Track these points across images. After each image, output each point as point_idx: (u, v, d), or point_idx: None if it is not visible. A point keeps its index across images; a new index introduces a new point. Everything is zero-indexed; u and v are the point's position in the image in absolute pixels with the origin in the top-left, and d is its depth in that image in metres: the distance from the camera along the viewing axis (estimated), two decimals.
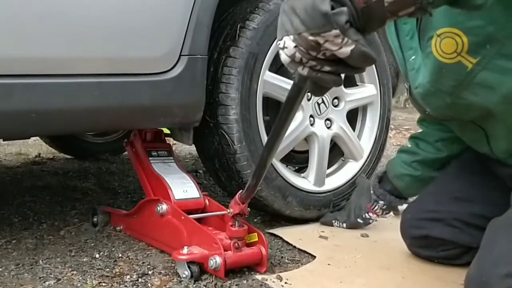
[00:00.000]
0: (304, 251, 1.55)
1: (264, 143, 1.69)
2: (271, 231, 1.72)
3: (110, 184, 2.41)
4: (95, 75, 1.33)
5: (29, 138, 2.66)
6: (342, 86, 1.91)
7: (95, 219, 1.71)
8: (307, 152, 1.90)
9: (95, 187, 2.34)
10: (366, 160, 2.03)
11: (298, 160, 1.96)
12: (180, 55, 1.47)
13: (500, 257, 1.01)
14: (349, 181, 1.96)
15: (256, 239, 1.36)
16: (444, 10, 1.00)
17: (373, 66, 2.00)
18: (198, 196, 1.54)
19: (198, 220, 1.44)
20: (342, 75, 0.81)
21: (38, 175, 2.62)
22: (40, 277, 1.31)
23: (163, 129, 1.75)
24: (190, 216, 1.41)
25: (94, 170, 2.74)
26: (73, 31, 1.28)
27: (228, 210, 1.34)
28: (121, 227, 1.67)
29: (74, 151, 3.05)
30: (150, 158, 1.64)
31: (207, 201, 1.55)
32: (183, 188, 1.53)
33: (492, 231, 1.11)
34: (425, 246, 1.45)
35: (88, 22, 1.30)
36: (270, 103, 1.81)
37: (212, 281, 1.28)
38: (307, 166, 1.89)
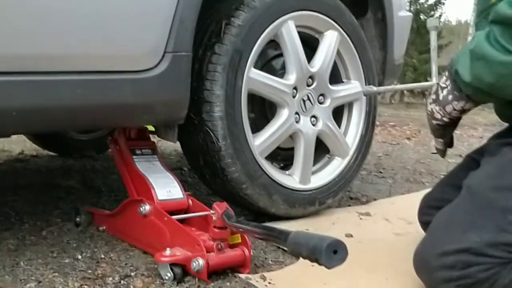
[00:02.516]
0: None
1: (249, 141, 1.68)
2: None
3: (94, 183, 2.38)
4: (77, 72, 1.30)
5: (9, 137, 2.62)
6: (328, 83, 1.90)
7: (78, 219, 1.69)
8: (292, 149, 1.89)
9: (78, 185, 2.31)
10: (352, 157, 2.02)
11: (283, 157, 1.95)
12: (165, 52, 1.44)
13: (439, 237, 1.16)
14: (335, 179, 1.96)
15: (239, 240, 1.35)
16: None
17: (359, 62, 1.99)
18: (182, 196, 1.52)
19: (181, 220, 1.42)
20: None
21: (21, 173, 2.59)
22: (21, 279, 1.28)
23: (147, 126, 1.73)
24: (173, 217, 1.39)
25: (78, 168, 2.71)
26: (55, 28, 1.25)
27: (211, 211, 1.32)
28: (104, 228, 1.64)
29: (58, 148, 3.01)
30: (134, 157, 1.61)
31: (190, 201, 1.53)
32: (166, 188, 1.51)
33: (439, 214, 1.24)
34: None
35: (69, 18, 1.26)
36: (255, 100, 1.80)
37: (195, 283, 1.27)
38: (292, 163, 1.88)
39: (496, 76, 1.08)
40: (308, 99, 1.86)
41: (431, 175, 3.10)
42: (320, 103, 1.91)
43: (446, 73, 1.26)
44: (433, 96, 1.30)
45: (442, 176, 3.02)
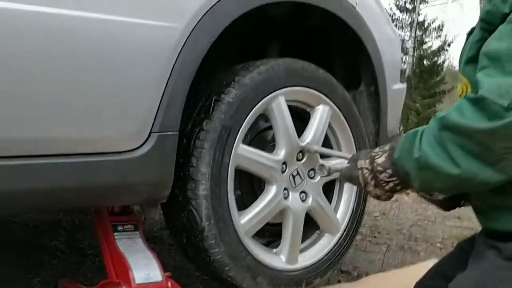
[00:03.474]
0: None
1: (234, 220, 1.64)
2: None
3: (80, 243, 2.34)
4: (57, 155, 1.28)
5: None
6: (319, 157, 1.87)
7: None
8: (281, 224, 1.85)
9: (64, 247, 2.26)
10: (342, 234, 1.97)
11: (271, 233, 1.90)
12: (151, 132, 1.42)
13: None
14: (324, 257, 1.90)
15: None
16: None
17: (351, 136, 1.97)
18: (161, 279, 1.47)
19: None
20: None
21: (7, 227, 2.54)
22: None
23: None
24: None
25: (66, 224, 2.66)
26: (33, 111, 1.23)
27: None
28: None
29: None
30: (115, 234, 1.57)
31: (169, 284, 1.48)
32: (145, 270, 1.47)
33: None
34: None
35: (49, 101, 1.24)
36: (243, 174, 1.76)
37: None
38: (280, 239, 1.83)
39: (448, 184, 1.01)
40: (298, 174, 1.83)
41: (426, 241, 3.04)
42: (311, 178, 1.88)
43: (388, 170, 1.10)
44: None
45: (438, 244, 3.03)
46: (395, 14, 28.79)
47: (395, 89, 2.19)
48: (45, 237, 2.39)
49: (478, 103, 0.88)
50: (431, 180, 1.01)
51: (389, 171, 1.09)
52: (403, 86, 2.32)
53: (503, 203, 1.07)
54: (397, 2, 28.70)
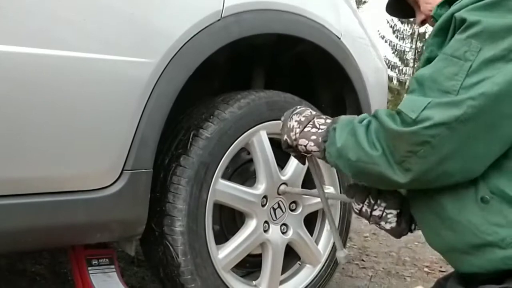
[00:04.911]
0: None
1: (212, 255, 1.62)
2: None
3: (62, 267, 2.32)
4: (25, 195, 1.26)
5: None
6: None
7: None
8: (261, 255, 1.83)
9: (45, 272, 2.25)
10: (324, 265, 1.96)
11: (252, 264, 1.88)
12: (123, 170, 1.40)
13: None
14: None
15: None
16: None
17: (334, 170, 1.95)
18: None
19: None
20: None
21: None
22: None
23: None
24: None
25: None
26: (2, 150, 1.21)
27: None
28: None
29: None
30: (90, 268, 1.56)
31: None
32: None
33: None
34: None
35: (19, 139, 1.23)
36: (224, 208, 1.75)
37: None
38: (261, 269, 1.81)
39: (359, 160, 1.08)
40: (279, 207, 1.81)
41: (414, 266, 3.02)
42: (292, 210, 1.86)
43: (327, 119, 1.25)
44: (302, 119, 1.27)
45: (425, 269, 3.01)
46: (396, 25, 28.85)
47: None
48: (27, 261, 2.36)
49: (398, 113, 1.03)
50: (350, 147, 1.10)
51: (328, 120, 1.24)
52: None
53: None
54: None
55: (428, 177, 1.02)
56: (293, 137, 1.27)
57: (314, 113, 1.29)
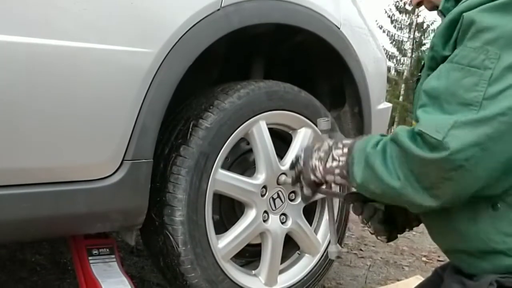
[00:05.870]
0: None
1: (211, 244, 1.63)
2: None
3: (62, 257, 2.32)
4: (25, 185, 1.26)
5: None
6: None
7: None
8: (261, 244, 1.84)
9: (45, 262, 2.25)
10: (323, 254, 1.97)
11: (251, 253, 1.89)
12: (123, 160, 1.40)
13: None
14: (303, 277, 1.90)
15: None
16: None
17: None
18: None
19: None
20: None
21: None
22: None
23: None
24: None
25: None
26: (5, 140, 1.21)
27: None
28: None
29: None
30: (90, 258, 1.56)
31: None
32: None
33: None
34: None
35: (21, 130, 1.23)
36: (223, 198, 1.75)
37: None
38: (260, 259, 1.83)
39: (382, 192, 1.03)
40: (279, 197, 1.82)
41: (412, 255, 3.03)
42: (291, 200, 1.87)
43: (344, 149, 1.17)
44: (322, 155, 1.21)
45: (423, 259, 3.03)
46: (394, 15, 28.76)
47: (380, 109, 2.18)
48: (27, 250, 2.37)
49: (419, 135, 0.94)
50: (370, 181, 1.04)
51: (345, 150, 1.14)
52: (389, 105, 2.31)
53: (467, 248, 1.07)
54: (397, 3, 28.66)
55: (462, 198, 0.98)
56: (320, 176, 1.21)
57: (330, 143, 1.21)
